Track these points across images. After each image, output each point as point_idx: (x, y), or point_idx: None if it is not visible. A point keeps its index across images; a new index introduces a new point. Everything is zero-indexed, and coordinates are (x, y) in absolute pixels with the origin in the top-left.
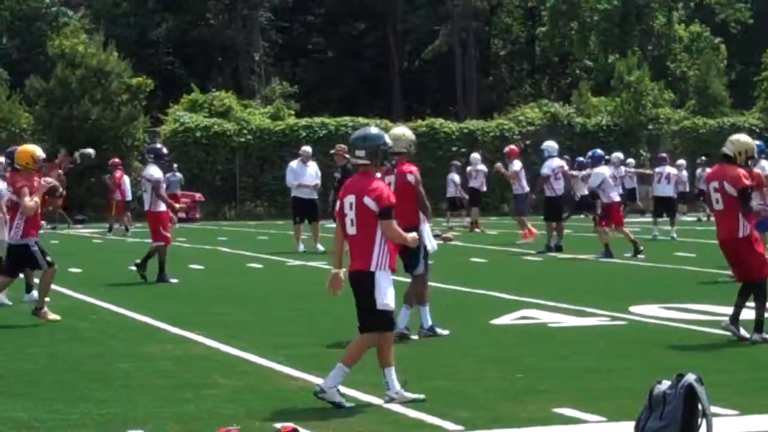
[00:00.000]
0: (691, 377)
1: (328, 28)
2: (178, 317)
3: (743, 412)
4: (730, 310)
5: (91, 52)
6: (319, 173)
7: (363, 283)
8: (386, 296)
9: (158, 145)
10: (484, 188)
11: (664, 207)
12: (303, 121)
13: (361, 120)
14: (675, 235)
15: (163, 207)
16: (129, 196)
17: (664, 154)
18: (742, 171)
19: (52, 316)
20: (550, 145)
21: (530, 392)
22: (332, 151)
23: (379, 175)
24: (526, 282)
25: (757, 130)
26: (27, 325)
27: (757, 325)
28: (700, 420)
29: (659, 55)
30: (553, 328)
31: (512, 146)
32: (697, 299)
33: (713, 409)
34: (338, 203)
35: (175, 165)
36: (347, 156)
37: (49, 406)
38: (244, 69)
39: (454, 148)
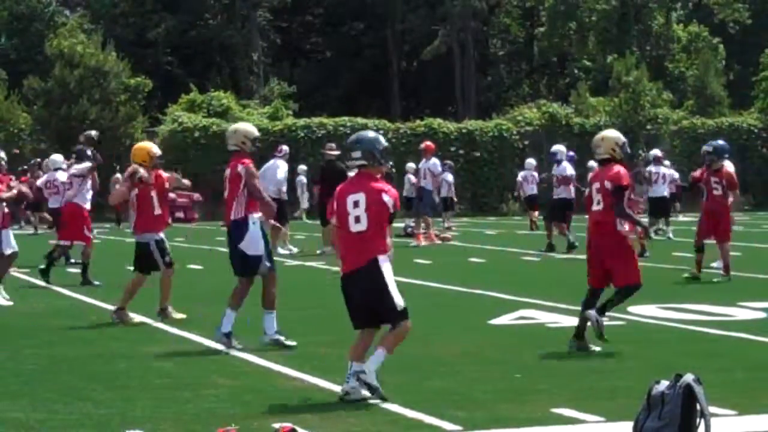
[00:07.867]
0: (689, 377)
1: (327, 28)
2: None
3: (742, 412)
4: (728, 310)
5: (89, 52)
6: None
7: (365, 280)
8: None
9: None
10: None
11: (660, 207)
12: (301, 122)
13: (360, 120)
14: (671, 235)
15: None
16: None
17: (660, 154)
18: None
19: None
20: (562, 149)
21: (528, 392)
22: (324, 150)
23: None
24: (524, 282)
25: (756, 130)
26: (26, 325)
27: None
28: (698, 420)
29: (657, 56)
30: (551, 328)
31: (427, 143)
32: (696, 299)
33: (712, 409)
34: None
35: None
36: (332, 154)
37: (48, 406)
38: (242, 69)
39: (453, 149)
